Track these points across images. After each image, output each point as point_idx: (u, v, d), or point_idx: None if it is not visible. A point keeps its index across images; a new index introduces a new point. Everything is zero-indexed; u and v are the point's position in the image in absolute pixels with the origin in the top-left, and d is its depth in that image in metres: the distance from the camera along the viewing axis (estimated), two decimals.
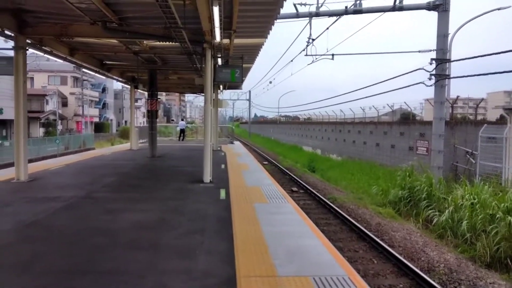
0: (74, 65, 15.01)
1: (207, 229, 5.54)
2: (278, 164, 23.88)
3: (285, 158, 29.30)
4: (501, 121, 18.12)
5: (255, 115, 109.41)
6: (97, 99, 56.10)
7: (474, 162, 14.04)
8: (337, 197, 13.22)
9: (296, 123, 47.24)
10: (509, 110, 13.56)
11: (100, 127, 53.55)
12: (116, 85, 56.82)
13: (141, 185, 9.19)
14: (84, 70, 21.30)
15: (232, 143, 25.33)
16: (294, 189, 15.18)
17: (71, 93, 48.71)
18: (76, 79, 49.15)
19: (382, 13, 13.19)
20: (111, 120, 61.73)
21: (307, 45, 15.58)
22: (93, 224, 5.74)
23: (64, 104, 47.78)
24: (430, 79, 12.32)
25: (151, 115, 15.34)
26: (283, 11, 8.97)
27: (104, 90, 58.82)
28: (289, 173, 19.53)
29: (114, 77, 16.93)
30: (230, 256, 4.47)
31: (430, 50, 12.93)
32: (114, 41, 10.69)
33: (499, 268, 7.40)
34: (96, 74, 16.29)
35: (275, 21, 9.31)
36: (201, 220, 6.03)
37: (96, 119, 54.99)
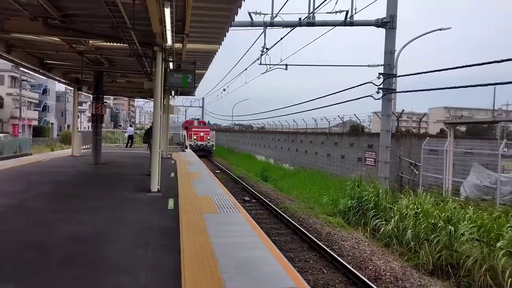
0: (12, 63, 13.84)
1: (152, 241, 5.19)
2: (231, 173, 23.65)
3: (238, 167, 29.16)
4: (442, 134, 19.34)
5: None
6: (37, 101, 52.42)
7: (417, 173, 14.75)
8: (289, 207, 13.25)
9: (250, 132, 47.35)
10: (450, 124, 14.45)
11: (39, 131, 49.91)
12: (59, 86, 53.74)
13: (81, 194, 8.55)
14: (22, 69, 19.70)
15: (183, 150, 24.73)
16: (246, 198, 15.03)
17: (8, 94, 45.16)
18: (14, 78, 45.73)
19: (333, 27, 13.56)
20: (52, 124, 57.90)
21: (262, 54, 15.69)
22: (24, 237, 5.17)
23: (0, 105, 44.27)
24: (378, 92, 12.80)
25: (96, 119, 14.53)
26: (238, 18, 8.89)
27: (45, 91, 55.12)
28: (242, 182, 19.38)
29: (56, 77, 15.83)
30: (176, 270, 4.19)
31: (378, 65, 13.47)
32: (56, 39, 9.96)
33: (440, 276, 7.71)
34: (36, 74, 15.16)
35: (229, 28, 9.20)
36: (146, 232, 5.65)
37: (36, 123, 51.36)
